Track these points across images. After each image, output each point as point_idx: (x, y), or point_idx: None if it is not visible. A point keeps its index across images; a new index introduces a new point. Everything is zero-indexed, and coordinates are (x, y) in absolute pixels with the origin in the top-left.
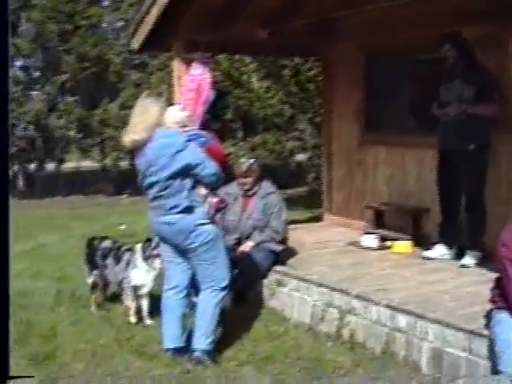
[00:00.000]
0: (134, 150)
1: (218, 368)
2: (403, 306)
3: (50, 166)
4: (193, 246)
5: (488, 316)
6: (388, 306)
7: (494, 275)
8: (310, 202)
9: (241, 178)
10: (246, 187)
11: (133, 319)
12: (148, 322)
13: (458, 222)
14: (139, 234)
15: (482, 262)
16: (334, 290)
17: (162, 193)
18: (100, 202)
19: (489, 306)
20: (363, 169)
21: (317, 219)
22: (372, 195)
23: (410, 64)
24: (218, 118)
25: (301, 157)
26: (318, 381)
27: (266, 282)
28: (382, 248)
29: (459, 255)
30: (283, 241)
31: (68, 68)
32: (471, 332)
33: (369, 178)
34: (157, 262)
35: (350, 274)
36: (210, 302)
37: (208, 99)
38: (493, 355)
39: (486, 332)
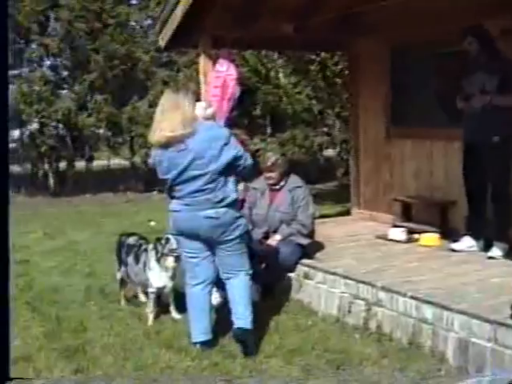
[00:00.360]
0: (163, 147)
1: (246, 360)
2: (429, 298)
3: (80, 164)
4: (229, 238)
5: None
6: (414, 298)
7: None
8: (339, 197)
9: (266, 172)
10: (271, 181)
11: (150, 322)
12: (177, 316)
13: (485, 215)
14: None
15: (509, 254)
16: (360, 282)
17: (210, 186)
18: (129, 199)
19: None
20: (390, 162)
21: (345, 213)
22: (399, 188)
23: (435, 57)
24: (246, 115)
25: (330, 152)
26: (345, 372)
27: (293, 275)
28: (409, 241)
29: (486, 247)
30: (310, 234)
31: (97, 67)
32: (497, 322)
33: (396, 172)
34: (169, 261)
35: (376, 266)
36: (246, 284)
37: (234, 96)
38: None
39: (511, 322)
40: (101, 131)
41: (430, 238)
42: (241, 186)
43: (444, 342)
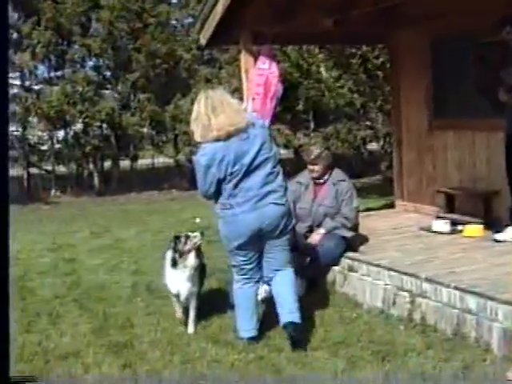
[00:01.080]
0: (224, 141)
1: (291, 353)
2: (473, 288)
3: (125, 163)
4: (287, 230)
5: None
6: (458, 289)
7: None
8: (383, 190)
9: (310, 165)
10: (314, 174)
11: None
12: (191, 329)
13: None
14: (214, 226)
15: None
16: (404, 274)
17: (275, 170)
18: (174, 197)
19: None
20: (433, 154)
21: (389, 206)
22: (442, 180)
23: (476, 47)
24: (289, 110)
25: (373, 146)
26: (390, 363)
27: (337, 268)
28: (453, 232)
29: None
30: (354, 227)
31: (139, 66)
32: None
33: (439, 163)
34: (190, 258)
35: (420, 258)
36: (294, 279)
37: (277, 94)
38: None
39: None
40: (144, 130)
41: (474, 229)
42: None
43: (488, 332)
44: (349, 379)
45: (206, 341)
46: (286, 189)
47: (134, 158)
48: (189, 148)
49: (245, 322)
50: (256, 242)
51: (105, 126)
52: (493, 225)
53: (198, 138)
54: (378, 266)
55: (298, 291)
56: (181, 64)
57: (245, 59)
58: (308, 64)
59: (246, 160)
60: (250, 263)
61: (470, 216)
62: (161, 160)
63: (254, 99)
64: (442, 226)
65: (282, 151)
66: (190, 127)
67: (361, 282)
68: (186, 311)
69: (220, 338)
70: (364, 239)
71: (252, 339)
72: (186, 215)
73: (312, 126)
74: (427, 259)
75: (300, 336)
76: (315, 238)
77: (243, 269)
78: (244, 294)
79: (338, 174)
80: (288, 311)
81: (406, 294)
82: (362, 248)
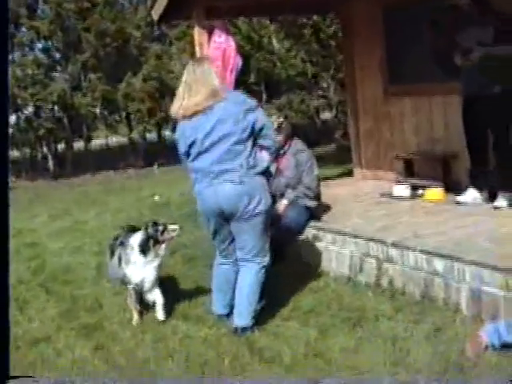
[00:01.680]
0: (189, 118)
1: (263, 325)
2: (439, 251)
3: (79, 145)
4: (253, 212)
5: None
6: (424, 252)
7: None
8: (339, 159)
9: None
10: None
11: (135, 322)
12: (161, 317)
13: (488, 166)
14: (174, 203)
15: None
16: (370, 240)
17: (234, 150)
18: (131, 176)
19: None
20: (390, 120)
21: (348, 174)
22: (400, 146)
23: (429, 13)
24: (241, 83)
25: (326, 115)
26: (362, 329)
27: (302, 238)
28: (414, 197)
29: (491, 198)
30: (316, 197)
31: (88, 46)
32: (508, 270)
33: (396, 129)
34: (163, 247)
35: (384, 224)
36: (255, 279)
37: (236, 66)
38: None
39: None
40: (97, 110)
41: (434, 193)
42: None
43: (457, 293)
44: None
45: (177, 318)
46: (258, 171)
47: (88, 139)
48: (142, 126)
49: (219, 298)
50: (224, 223)
51: (57, 108)
52: (453, 187)
53: (171, 112)
54: (343, 233)
55: (257, 291)
56: (131, 42)
57: (198, 34)
58: (259, 36)
59: (200, 135)
60: (223, 243)
61: (430, 180)
62: (114, 139)
63: None
64: (403, 191)
65: None
66: None
67: (327, 251)
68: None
69: (190, 313)
70: (327, 208)
71: (224, 316)
72: (145, 193)
73: (264, 97)
74: (391, 225)
75: (242, 334)
76: (278, 208)
77: (218, 247)
78: (219, 273)
79: (297, 144)
80: (237, 313)
81: (372, 260)
82: (325, 217)
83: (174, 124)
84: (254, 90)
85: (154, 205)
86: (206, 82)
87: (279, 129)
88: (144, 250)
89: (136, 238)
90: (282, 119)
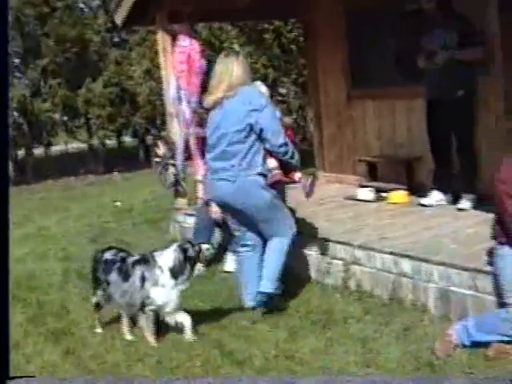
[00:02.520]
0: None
1: (233, 329)
2: (406, 252)
3: (39, 151)
4: (252, 205)
5: (491, 253)
6: (392, 253)
7: (490, 215)
8: (300, 163)
9: None
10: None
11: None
12: (191, 338)
13: (451, 168)
14: (136, 209)
15: (478, 204)
16: (337, 243)
17: (232, 148)
18: (91, 182)
19: (491, 244)
20: (353, 124)
21: None
22: (364, 149)
23: (391, 17)
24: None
25: (286, 120)
26: (331, 331)
27: None
28: (378, 200)
29: (455, 200)
30: (282, 200)
31: (48, 51)
32: (475, 270)
33: (359, 133)
34: (199, 269)
35: (350, 226)
36: (279, 247)
37: (201, 69)
38: (498, 290)
39: (489, 269)
40: (57, 116)
41: (398, 195)
42: None
43: (425, 293)
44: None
45: None
46: (256, 172)
47: (48, 145)
48: (102, 132)
49: (246, 292)
50: (234, 212)
51: (16, 114)
52: (416, 190)
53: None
54: (309, 236)
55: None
56: (90, 47)
57: (162, 39)
58: (220, 41)
59: (210, 129)
60: (238, 230)
61: (393, 183)
62: (74, 145)
63: (179, 76)
64: (367, 194)
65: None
66: None
67: (294, 254)
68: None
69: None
70: (292, 212)
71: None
72: (106, 199)
73: None
74: (357, 227)
75: (263, 303)
76: None
77: (237, 235)
78: (241, 264)
79: None
80: (262, 280)
81: (339, 262)
82: None
83: (133, 130)
84: None
85: (115, 211)
86: (228, 72)
87: None
88: (176, 272)
89: (167, 259)
90: None
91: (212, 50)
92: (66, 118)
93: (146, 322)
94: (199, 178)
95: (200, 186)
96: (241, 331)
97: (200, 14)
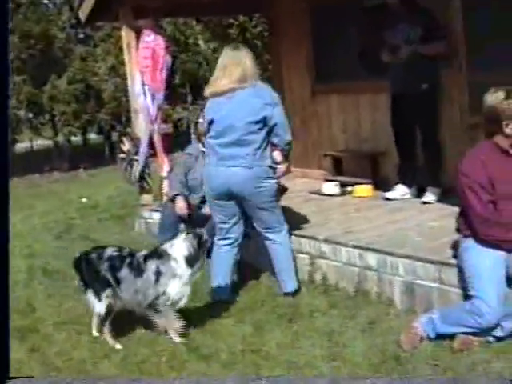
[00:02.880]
0: (215, 97)
1: (199, 323)
2: (372, 246)
3: None
4: (262, 193)
5: (455, 245)
6: (356, 247)
7: (455, 209)
8: None
9: (202, 137)
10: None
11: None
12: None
13: (416, 162)
14: (102, 205)
15: (443, 198)
16: (302, 236)
17: (245, 139)
18: (57, 179)
19: (455, 237)
20: (317, 119)
21: None
22: (329, 144)
23: (355, 12)
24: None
25: None
26: (297, 324)
27: None
28: (343, 194)
29: (420, 193)
30: None
31: (12, 47)
32: (440, 263)
33: (324, 127)
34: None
35: (315, 220)
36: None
37: (166, 65)
38: (463, 282)
39: (454, 261)
40: (22, 113)
41: (363, 189)
42: None
43: (390, 286)
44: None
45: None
46: (268, 164)
47: (12, 142)
48: (67, 128)
49: (219, 286)
50: (229, 202)
51: None
52: (381, 184)
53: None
54: None
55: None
56: (55, 44)
57: (126, 34)
58: (185, 37)
59: (217, 116)
60: (226, 222)
61: (359, 177)
62: (39, 142)
63: (143, 72)
64: (332, 188)
65: (163, 126)
66: None
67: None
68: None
69: (125, 314)
70: None
71: (225, 301)
72: (71, 196)
73: (190, 98)
74: (322, 221)
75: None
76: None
77: (220, 227)
78: (218, 257)
79: None
80: (284, 280)
81: (305, 256)
82: None
83: (99, 126)
84: (180, 91)
85: (81, 207)
86: (240, 63)
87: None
88: (191, 260)
89: (180, 249)
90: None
91: (177, 46)
92: (30, 115)
93: (166, 319)
94: (164, 174)
95: (165, 182)
96: (207, 326)
97: (165, 10)
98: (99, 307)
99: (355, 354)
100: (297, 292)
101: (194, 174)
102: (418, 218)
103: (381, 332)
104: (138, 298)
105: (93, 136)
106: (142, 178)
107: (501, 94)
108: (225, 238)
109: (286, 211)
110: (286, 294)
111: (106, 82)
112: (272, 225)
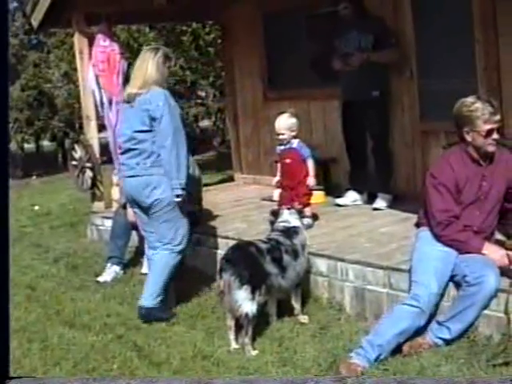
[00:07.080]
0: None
1: (150, 330)
2: (322, 251)
3: None
4: (153, 200)
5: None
6: (308, 253)
7: (405, 215)
8: (219, 165)
9: None
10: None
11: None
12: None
13: (366, 168)
14: (54, 213)
15: (393, 204)
16: None
17: (139, 146)
18: (10, 186)
19: (404, 243)
20: (269, 125)
21: (228, 180)
22: None
23: (307, 19)
24: None
25: (205, 123)
26: None
27: None
28: None
29: (370, 199)
30: (198, 202)
31: None
32: (390, 268)
33: (276, 134)
34: None
35: (266, 227)
36: (158, 264)
37: (122, 70)
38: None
39: (403, 267)
40: None
41: (315, 196)
42: None
43: (340, 292)
44: None
45: (62, 325)
46: (149, 168)
47: None
48: (20, 135)
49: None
50: (141, 211)
51: None
52: (332, 190)
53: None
54: (226, 237)
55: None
56: (8, 50)
57: (78, 40)
58: (138, 44)
59: (121, 125)
60: (144, 231)
61: None
62: None
63: (99, 76)
64: None
65: None
66: None
67: (210, 255)
68: None
69: (75, 321)
70: (209, 213)
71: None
72: (24, 203)
73: None
74: None
75: (146, 317)
76: None
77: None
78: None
79: None
80: (144, 294)
81: None
82: (208, 221)
83: (52, 134)
84: None
85: (33, 215)
86: (142, 69)
87: None
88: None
89: (298, 220)
90: None
91: (130, 53)
92: None
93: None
94: (116, 180)
95: (116, 189)
96: (158, 333)
97: (117, 16)
98: (251, 307)
99: (305, 359)
100: (148, 310)
101: None
102: (368, 224)
103: (331, 337)
104: (296, 281)
105: (46, 143)
106: (93, 185)
107: (467, 101)
108: (153, 247)
109: (237, 218)
110: (139, 309)
111: (60, 88)
112: (162, 239)
